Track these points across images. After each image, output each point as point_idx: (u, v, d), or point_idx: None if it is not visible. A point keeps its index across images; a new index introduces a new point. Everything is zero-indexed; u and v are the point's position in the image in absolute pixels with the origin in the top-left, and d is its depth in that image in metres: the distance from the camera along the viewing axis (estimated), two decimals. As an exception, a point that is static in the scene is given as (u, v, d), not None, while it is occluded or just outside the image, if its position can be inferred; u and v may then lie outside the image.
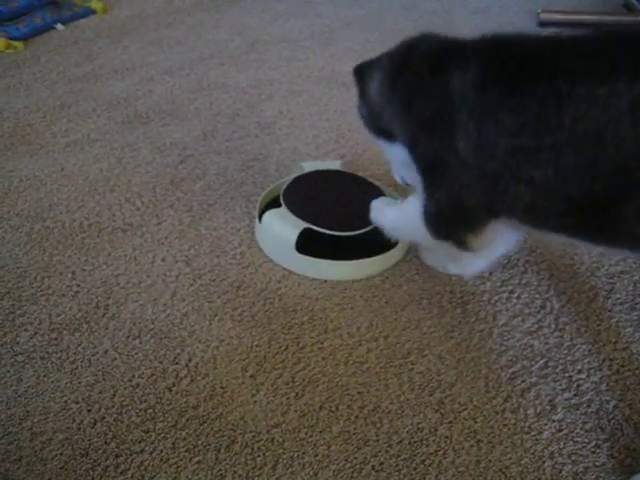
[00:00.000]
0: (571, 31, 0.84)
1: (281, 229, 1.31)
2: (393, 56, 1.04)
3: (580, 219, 0.84)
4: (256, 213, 1.40)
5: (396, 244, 1.31)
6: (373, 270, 1.31)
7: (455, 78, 0.88)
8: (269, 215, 1.34)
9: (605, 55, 0.79)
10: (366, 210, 1.33)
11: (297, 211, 1.33)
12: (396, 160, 1.16)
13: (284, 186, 1.42)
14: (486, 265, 1.22)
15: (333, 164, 1.53)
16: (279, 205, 1.36)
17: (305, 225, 1.30)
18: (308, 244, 1.29)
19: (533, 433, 1.01)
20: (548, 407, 1.05)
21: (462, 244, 1.00)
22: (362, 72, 1.14)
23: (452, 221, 0.99)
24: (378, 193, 1.41)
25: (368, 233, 1.30)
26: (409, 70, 0.98)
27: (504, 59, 0.86)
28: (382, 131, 1.10)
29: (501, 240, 1.11)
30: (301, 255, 1.29)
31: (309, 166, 1.50)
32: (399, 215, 1.20)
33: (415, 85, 0.96)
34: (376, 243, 1.30)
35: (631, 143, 0.73)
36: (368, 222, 1.30)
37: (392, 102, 1.02)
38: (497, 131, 0.82)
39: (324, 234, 1.30)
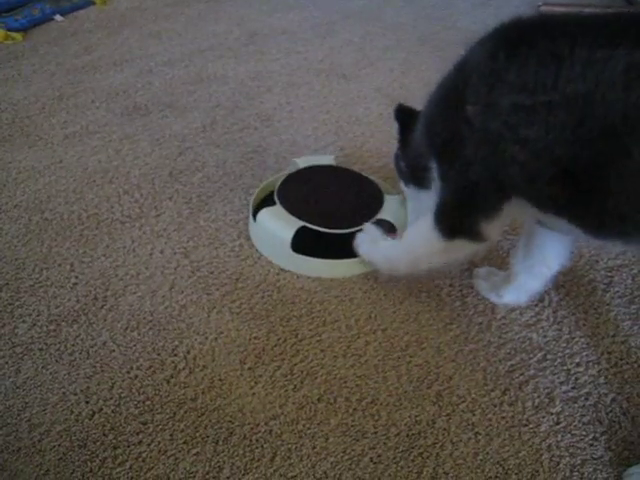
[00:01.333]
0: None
1: (276, 228, 1.30)
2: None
3: (569, 190, 0.84)
4: (249, 211, 1.39)
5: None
6: (370, 266, 1.31)
7: (473, 55, 0.92)
8: (263, 214, 1.33)
9: (610, 25, 0.80)
10: (361, 206, 1.33)
11: (292, 209, 1.32)
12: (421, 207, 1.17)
13: (278, 183, 1.41)
14: (535, 291, 1.22)
15: (326, 159, 1.52)
16: (273, 202, 1.35)
17: (301, 224, 1.29)
18: (303, 242, 1.29)
19: (531, 426, 1.01)
20: (546, 400, 1.05)
21: (476, 235, 0.98)
22: (407, 118, 1.15)
23: (466, 207, 0.98)
24: (373, 188, 1.41)
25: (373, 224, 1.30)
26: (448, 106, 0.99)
27: (514, 30, 0.89)
28: (418, 178, 1.12)
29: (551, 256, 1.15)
30: (297, 254, 1.28)
31: (302, 161, 1.49)
32: (395, 243, 1.20)
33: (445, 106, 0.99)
34: None
35: (620, 106, 0.74)
36: (363, 219, 1.30)
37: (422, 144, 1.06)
38: (502, 89, 0.85)
39: (319, 232, 1.29)
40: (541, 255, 1.15)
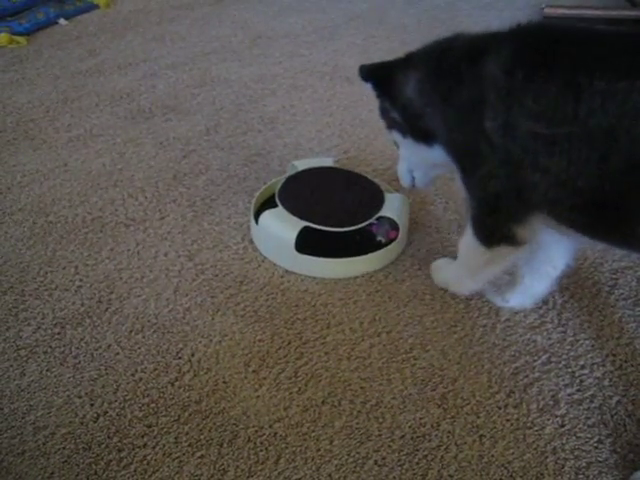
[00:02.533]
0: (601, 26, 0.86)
1: (279, 229, 1.30)
2: (429, 54, 1.05)
3: (591, 217, 0.86)
4: (251, 215, 1.39)
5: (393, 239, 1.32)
6: (375, 265, 1.31)
7: (488, 63, 0.89)
8: (266, 216, 1.33)
9: (630, 51, 0.79)
10: (362, 204, 1.33)
11: (294, 210, 1.32)
12: (420, 163, 1.20)
13: (278, 186, 1.41)
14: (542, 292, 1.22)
15: (326, 161, 1.52)
16: (274, 205, 1.35)
17: (304, 224, 1.29)
18: (306, 243, 1.29)
19: (536, 428, 1.01)
20: (551, 402, 1.05)
21: (513, 240, 1.00)
22: (383, 74, 1.14)
23: (495, 214, 0.99)
24: (373, 187, 1.41)
25: (364, 228, 1.31)
26: (449, 65, 0.99)
27: (533, 45, 0.87)
28: (420, 133, 1.10)
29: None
30: (301, 255, 1.28)
31: (302, 164, 1.49)
32: (457, 261, 1.19)
33: (454, 77, 0.97)
34: (373, 238, 1.31)
35: None
36: (364, 217, 1.31)
37: (434, 99, 1.03)
38: (520, 113, 0.84)
39: (322, 232, 1.29)
40: (546, 255, 1.15)
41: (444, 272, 1.26)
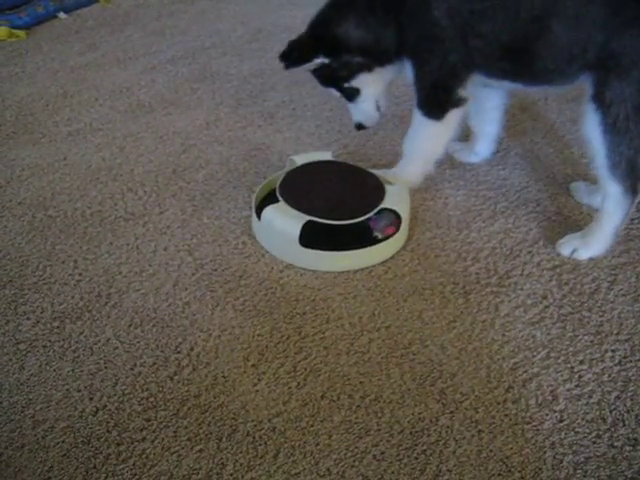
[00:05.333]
0: None
1: (282, 224, 1.30)
2: None
3: (512, 62, 1.24)
4: (252, 210, 1.39)
5: (394, 232, 1.32)
6: (379, 258, 1.32)
7: None
8: (268, 211, 1.32)
9: None
10: (364, 197, 1.34)
11: (296, 205, 1.32)
12: (384, 87, 1.47)
13: (279, 180, 1.40)
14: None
15: (324, 155, 1.52)
16: (275, 200, 1.35)
17: (307, 218, 1.28)
18: (309, 237, 1.28)
19: (534, 423, 1.01)
20: (550, 398, 1.05)
21: (458, 102, 1.34)
22: (324, 38, 1.36)
23: (447, 85, 1.32)
24: (373, 179, 1.41)
25: (363, 223, 1.31)
26: None
27: None
28: (383, 55, 1.36)
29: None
30: (305, 248, 1.28)
31: (300, 159, 1.48)
32: (404, 158, 1.47)
33: None
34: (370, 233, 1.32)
35: (539, 1, 1.16)
36: (367, 209, 1.31)
37: (387, 16, 1.30)
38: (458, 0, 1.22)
39: (325, 225, 1.29)
40: (484, 104, 1.51)
41: (398, 174, 1.47)
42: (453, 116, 1.36)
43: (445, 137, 1.42)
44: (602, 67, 1.15)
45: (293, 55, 1.38)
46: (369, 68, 1.38)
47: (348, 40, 1.35)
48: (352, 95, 1.44)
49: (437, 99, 1.35)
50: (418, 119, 1.39)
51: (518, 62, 1.24)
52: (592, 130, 1.19)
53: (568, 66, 1.20)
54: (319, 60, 1.37)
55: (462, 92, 1.33)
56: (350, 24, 1.33)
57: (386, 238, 1.31)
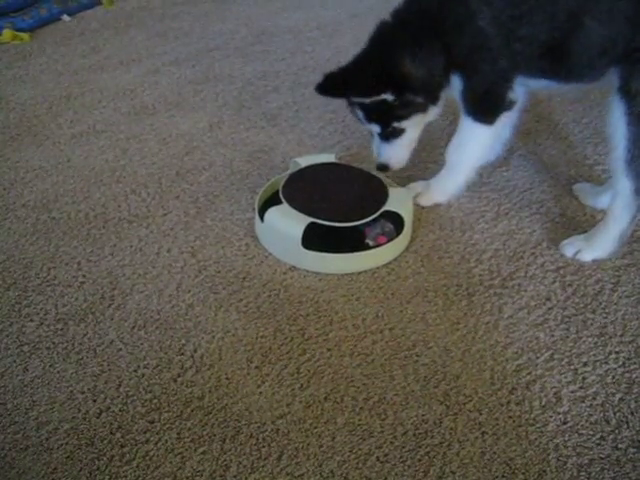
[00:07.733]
0: None
1: (285, 226, 1.30)
2: (409, 20, 1.35)
3: (549, 59, 1.28)
4: (255, 212, 1.39)
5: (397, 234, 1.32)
6: (382, 260, 1.32)
7: None
8: (271, 213, 1.32)
9: None
10: (367, 199, 1.34)
11: (299, 206, 1.32)
12: (420, 128, 1.45)
13: (282, 182, 1.40)
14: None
15: (327, 157, 1.52)
16: (278, 202, 1.35)
17: (310, 220, 1.28)
18: (312, 239, 1.28)
19: (538, 425, 1.01)
20: (553, 399, 1.05)
21: (510, 104, 1.37)
22: (382, 73, 1.34)
23: (498, 90, 1.35)
24: (376, 181, 1.41)
25: (357, 228, 1.31)
26: (434, 8, 1.32)
27: None
28: (434, 93, 1.38)
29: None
30: (307, 250, 1.28)
31: (303, 161, 1.49)
32: (448, 170, 1.47)
33: (443, 13, 1.31)
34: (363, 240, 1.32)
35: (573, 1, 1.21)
36: (370, 211, 1.31)
37: (433, 49, 1.33)
38: (498, 6, 1.25)
39: (327, 227, 1.29)
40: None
41: (441, 184, 1.49)
42: (501, 120, 1.39)
43: (491, 141, 1.45)
44: (628, 60, 1.20)
45: (356, 88, 1.35)
46: (424, 108, 1.39)
47: (414, 78, 1.34)
48: (393, 135, 1.41)
49: (490, 104, 1.39)
50: (469, 126, 1.40)
51: (555, 60, 1.28)
52: (617, 120, 1.21)
53: (599, 60, 1.24)
54: (382, 97, 1.33)
55: (512, 95, 1.36)
56: (412, 61, 1.33)
57: (377, 246, 1.31)
